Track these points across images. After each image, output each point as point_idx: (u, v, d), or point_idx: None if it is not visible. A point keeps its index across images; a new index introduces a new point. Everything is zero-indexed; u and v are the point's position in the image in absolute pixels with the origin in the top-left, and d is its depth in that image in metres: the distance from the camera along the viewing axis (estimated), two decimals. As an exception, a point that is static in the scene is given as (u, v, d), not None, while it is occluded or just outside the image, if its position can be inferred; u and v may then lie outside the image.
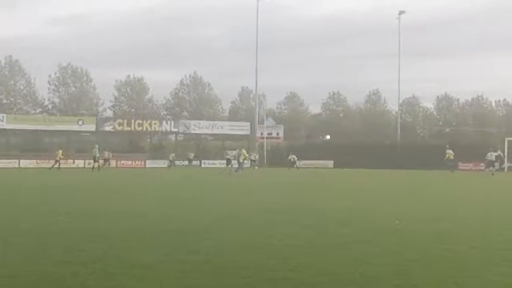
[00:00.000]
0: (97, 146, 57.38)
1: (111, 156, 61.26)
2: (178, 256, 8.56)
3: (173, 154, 73.41)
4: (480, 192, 25.98)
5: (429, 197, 22.57)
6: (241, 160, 51.25)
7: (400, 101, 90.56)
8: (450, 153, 53.21)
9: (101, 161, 56.21)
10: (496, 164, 54.03)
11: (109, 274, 7.45)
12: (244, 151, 52.75)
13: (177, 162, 71.94)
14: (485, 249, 9.54)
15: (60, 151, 58.53)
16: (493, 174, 45.40)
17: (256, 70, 78.20)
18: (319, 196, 22.29)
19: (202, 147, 79.83)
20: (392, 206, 17.58)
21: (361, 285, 7.04)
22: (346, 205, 17.56)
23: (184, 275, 7.35)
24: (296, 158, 65.14)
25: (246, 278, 7.28)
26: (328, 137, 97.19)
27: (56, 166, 55.83)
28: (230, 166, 50.26)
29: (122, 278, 7.26)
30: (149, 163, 70.58)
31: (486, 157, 52.86)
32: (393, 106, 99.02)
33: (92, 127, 75.96)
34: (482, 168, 59.10)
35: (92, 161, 54.96)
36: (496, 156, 53.21)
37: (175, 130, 78.61)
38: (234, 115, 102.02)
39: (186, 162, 72.54)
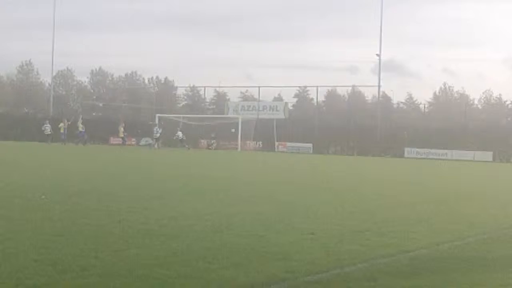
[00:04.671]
0: None
1: None
2: None
3: None
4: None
5: (73, 171, 22.51)
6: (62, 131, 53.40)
7: (54, 73, 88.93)
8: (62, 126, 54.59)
9: None
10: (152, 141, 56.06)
11: None
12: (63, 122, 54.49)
13: None
14: (130, 223, 9.76)
15: None
16: (189, 149, 47.07)
17: None
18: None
19: None
20: (39, 180, 17.23)
21: (-1, 262, 6.79)
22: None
23: None
24: None
25: None
26: None
27: None
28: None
29: None
30: None
31: (175, 136, 54.81)
32: (46, 78, 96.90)
33: None
34: (134, 143, 60.72)
35: None
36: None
37: None
38: None
39: None
